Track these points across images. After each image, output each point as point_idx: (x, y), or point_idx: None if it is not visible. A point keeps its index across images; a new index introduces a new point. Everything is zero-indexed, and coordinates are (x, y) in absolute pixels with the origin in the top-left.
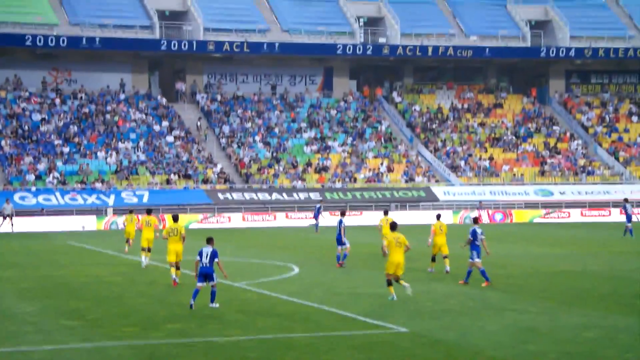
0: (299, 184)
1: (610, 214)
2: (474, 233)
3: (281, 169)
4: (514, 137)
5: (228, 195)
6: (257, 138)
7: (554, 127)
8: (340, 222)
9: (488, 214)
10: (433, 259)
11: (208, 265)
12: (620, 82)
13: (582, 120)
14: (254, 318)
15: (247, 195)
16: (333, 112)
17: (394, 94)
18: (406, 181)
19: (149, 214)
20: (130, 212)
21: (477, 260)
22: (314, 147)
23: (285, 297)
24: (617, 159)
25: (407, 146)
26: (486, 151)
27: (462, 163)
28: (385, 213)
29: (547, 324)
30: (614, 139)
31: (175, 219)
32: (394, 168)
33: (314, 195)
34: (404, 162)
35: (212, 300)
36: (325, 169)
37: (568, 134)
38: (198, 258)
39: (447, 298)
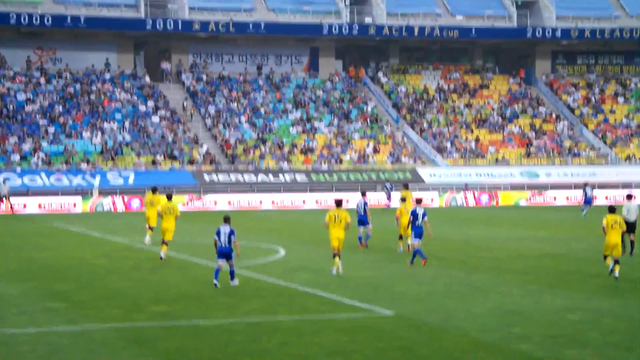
0: (284, 165)
1: (596, 197)
2: (414, 214)
3: (267, 150)
4: (500, 119)
5: (214, 176)
6: (243, 119)
7: (540, 108)
8: (365, 203)
9: (474, 196)
10: (400, 237)
11: (227, 244)
12: (607, 62)
13: (568, 101)
14: (240, 301)
15: (233, 177)
16: (319, 92)
17: (380, 75)
18: (392, 162)
19: (154, 193)
20: (154, 190)
21: (414, 241)
22: (300, 128)
23: (270, 279)
24: (603, 140)
25: (393, 127)
26: (472, 132)
27: (448, 144)
28: (406, 187)
29: (532, 307)
30: (600, 120)
31: (169, 197)
32: (380, 149)
33: (300, 177)
34: (390, 143)
35: (232, 278)
36: (311, 150)
37: (554, 115)
38: (216, 237)
39: (432, 280)
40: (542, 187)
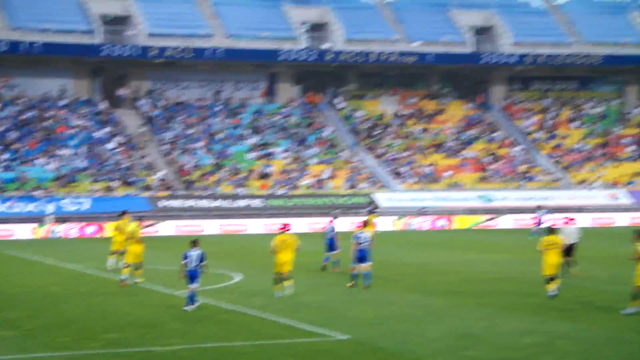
0: (241, 191)
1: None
2: (357, 237)
3: (224, 175)
4: (456, 143)
5: (169, 202)
6: (200, 144)
7: (495, 134)
8: (333, 228)
9: (430, 220)
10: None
11: (195, 268)
12: (561, 88)
13: (523, 126)
14: (194, 327)
15: (189, 202)
16: (276, 118)
17: (338, 100)
18: (349, 187)
19: (122, 217)
20: (122, 214)
21: (361, 264)
22: (257, 154)
23: (226, 305)
24: (558, 165)
25: (350, 152)
26: (428, 157)
27: (405, 169)
28: (371, 212)
29: (486, 330)
30: (554, 145)
31: (139, 219)
32: (336, 174)
33: (256, 202)
34: (347, 168)
35: (188, 303)
36: (267, 175)
37: (510, 140)
38: (183, 261)
39: (388, 304)
40: (497, 211)
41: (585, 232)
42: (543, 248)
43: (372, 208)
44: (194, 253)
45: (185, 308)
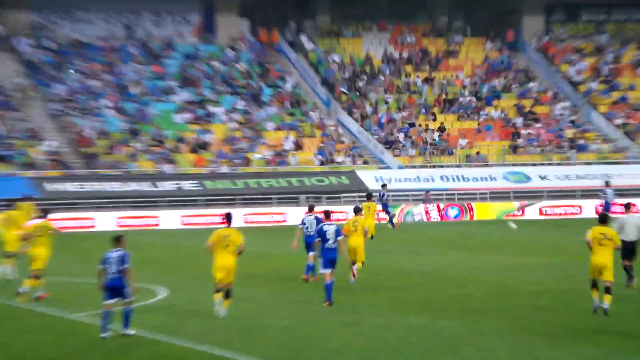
0: (167, 169)
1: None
2: (321, 232)
3: (141, 146)
4: (473, 99)
5: (62, 185)
6: (107, 102)
7: (530, 84)
8: (317, 219)
9: (439, 209)
10: (354, 263)
11: (117, 275)
12: (623, 18)
13: (569, 73)
14: None
15: (91, 186)
16: (216, 65)
17: (303, 39)
18: (322, 163)
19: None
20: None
21: (324, 271)
22: (190, 116)
23: (147, 333)
24: (624, 130)
25: (323, 113)
26: (435, 119)
27: (401, 136)
28: (369, 197)
29: None
30: (615, 100)
31: (45, 212)
32: (304, 144)
33: (189, 185)
34: (319, 135)
35: (126, 325)
36: (205, 146)
37: (550, 94)
38: (101, 266)
39: (381, 330)
40: (535, 195)
41: None
42: (594, 242)
43: (369, 193)
44: (115, 255)
45: (103, 335)
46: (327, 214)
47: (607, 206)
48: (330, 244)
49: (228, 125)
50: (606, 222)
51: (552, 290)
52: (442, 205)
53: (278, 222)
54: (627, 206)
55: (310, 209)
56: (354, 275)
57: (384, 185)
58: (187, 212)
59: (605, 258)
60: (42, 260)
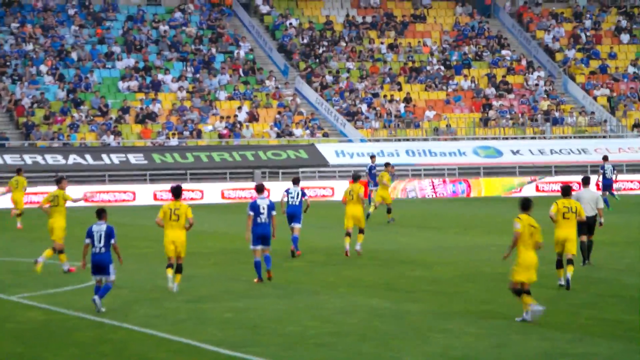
0: (110, 141)
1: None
2: (254, 206)
3: (83, 117)
4: (442, 68)
5: None
6: (44, 68)
7: (503, 52)
8: (302, 193)
9: (404, 185)
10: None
11: (103, 250)
12: None
13: (545, 40)
14: (40, 350)
15: (29, 159)
16: (163, 28)
17: (259, 1)
18: (278, 135)
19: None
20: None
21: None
22: (135, 84)
23: (89, 316)
24: (609, 102)
25: (280, 82)
26: (400, 89)
27: (364, 107)
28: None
29: (495, 353)
30: (594, 69)
31: (59, 181)
32: (259, 116)
33: (135, 158)
34: (275, 106)
35: (102, 296)
36: (152, 116)
37: (524, 63)
38: (87, 241)
39: (343, 315)
40: (507, 171)
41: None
42: (559, 214)
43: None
44: (100, 228)
45: (100, 307)
46: (260, 188)
47: (606, 182)
48: (262, 218)
49: (177, 94)
50: (570, 195)
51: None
52: (407, 184)
53: (231, 199)
54: (585, 181)
55: (295, 182)
56: (346, 254)
57: (372, 157)
58: (132, 187)
59: (569, 231)
60: (61, 230)
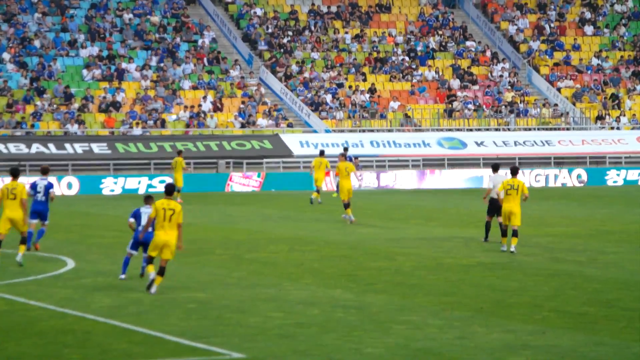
0: (75, 130)
1: (554, 177)
2: (34, 186)
3: (46, 105)
4: (407, 59)
5: None
6: (6, 56)
7: (468, 43)
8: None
9: (374, 176)
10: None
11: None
12: None
13: (509, 31)
14: (1, 340)
15: None
16: (127, 16)
17: None
18: (243, 125)
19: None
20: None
21: (31, 221)
22: (98, 72)
23: (52, 306)
24: (576, 97)
25: (244, 71)
26: (365, 80)
27: (329, 98)
28: (321, 154)
29: (456, 345)
30: (558, 61)
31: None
32: (223, 105)
33: (99, 148)
34: (240, 96)
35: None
36: (116, 105)
37: (489, 54)
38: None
39: (304, 306)
40: (471, 162)
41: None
42: (501, 191)
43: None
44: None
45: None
46: (45, 170)
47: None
48: (39, 197)
49: (141, 83)
50: (516, 174)
51: (485, 264)
52: (373, 173)
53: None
54: (495, 167)
55: (44, 172)
56: (350, 221)
57: (345, 149)
58: (97, 178)
59: (512, 205)
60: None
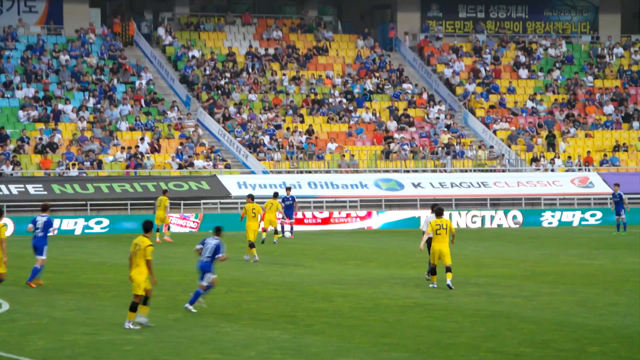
0: (9, 171)
1: (490, 218)
2: (34, 222)
3: None
4: (344, 100)
5: None
6: None
7: (405, 86)
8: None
9: (311, 216)
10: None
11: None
12: (503, 16)
13: (445, 74)
14: None
15: None
16: (64, 58)
17: (161, 31)
18: (180, 166)
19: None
20: None
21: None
22: (34, 113)
23: None
24: (505, 135)
25: (182, 112)
26: (303, 121)
27: (267, 139)
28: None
29: None
30: (494, 104)
31: None
32: (160, 146)
33: (34, 189)
34: (177, 137)
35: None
36: (52, 147)
37: (425, 96)
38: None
39: (243, 348)
40: (408, 203)
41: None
42: (430, 232)
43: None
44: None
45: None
46: (45, 208)
47: (618, 207)
48: (38, 233)
49: (77, 124)
50: (442, 215)
51: (423, 305)
52: (311, 213)
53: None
54: (438, 212)
55: (44, 209)
56: (254, 260)
57: (288, 189)
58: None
59: (442, 245)
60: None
